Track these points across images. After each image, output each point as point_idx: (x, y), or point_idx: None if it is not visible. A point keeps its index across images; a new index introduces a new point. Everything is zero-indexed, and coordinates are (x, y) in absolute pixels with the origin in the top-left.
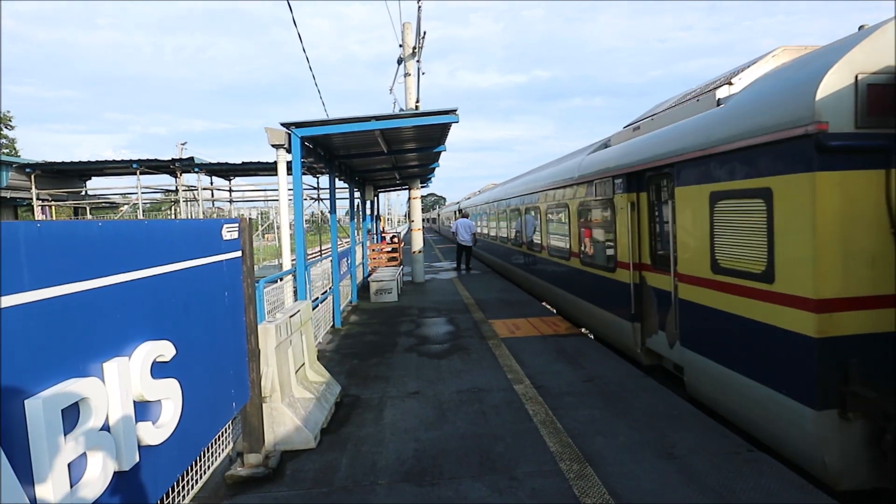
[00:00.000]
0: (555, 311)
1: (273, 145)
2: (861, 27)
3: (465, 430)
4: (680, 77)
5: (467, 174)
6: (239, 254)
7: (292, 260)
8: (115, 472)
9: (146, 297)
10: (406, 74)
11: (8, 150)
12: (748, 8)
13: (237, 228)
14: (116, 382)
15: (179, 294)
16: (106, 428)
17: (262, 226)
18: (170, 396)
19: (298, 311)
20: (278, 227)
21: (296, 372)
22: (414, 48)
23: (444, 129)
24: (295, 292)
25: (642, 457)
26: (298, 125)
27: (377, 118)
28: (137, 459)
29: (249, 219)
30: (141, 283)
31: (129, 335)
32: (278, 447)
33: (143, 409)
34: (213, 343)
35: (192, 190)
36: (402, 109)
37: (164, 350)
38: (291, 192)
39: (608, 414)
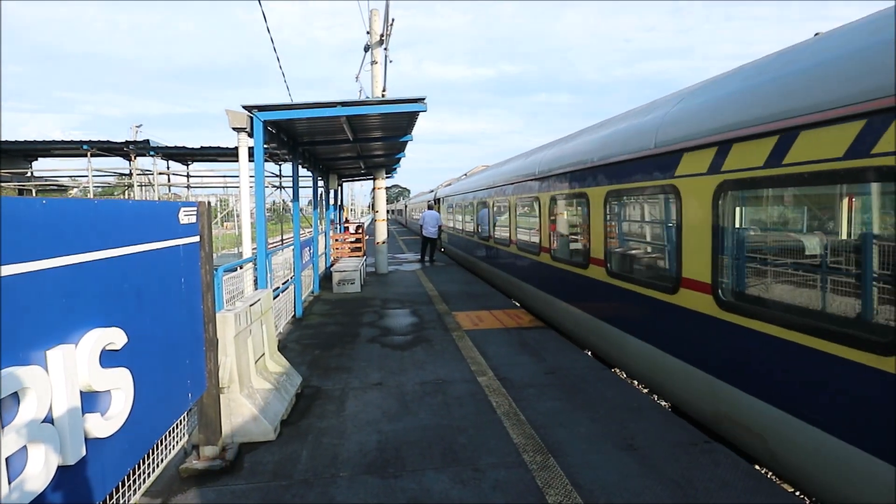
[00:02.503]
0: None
1: (234, 128)
2: (816, 34)
3: (429, 422)
4: (643, 77)
5: (431, 167)
6: (197, 239)
7: (253, 249)
8: (58, 467)
9: (95, 281)
10: (373, 62)
11: None
12: (710, 8)
13: (195, 212)
14: (61, 371)
15: (132, 279)
16: (49, 420)
17: (220, 213)
18: (120, 387)
19: (259, 300)
20: (238, 215)
21: (255, 362)
22: (381, 35)
23: (411, 118)
24: (255, 281)
25: (604, 448)
26: (262, 108)
27: (344, 104)
28: (84, 453)
29: (209, 203)
30: (89, 266)
31: (75, 321)
32: (236, 439)
33: (91, 400)
34: (168, 331)
35: (147, 174)
36: (368, 97)
37: (115, 338)
38: (253, 178)
39: (570, 406)
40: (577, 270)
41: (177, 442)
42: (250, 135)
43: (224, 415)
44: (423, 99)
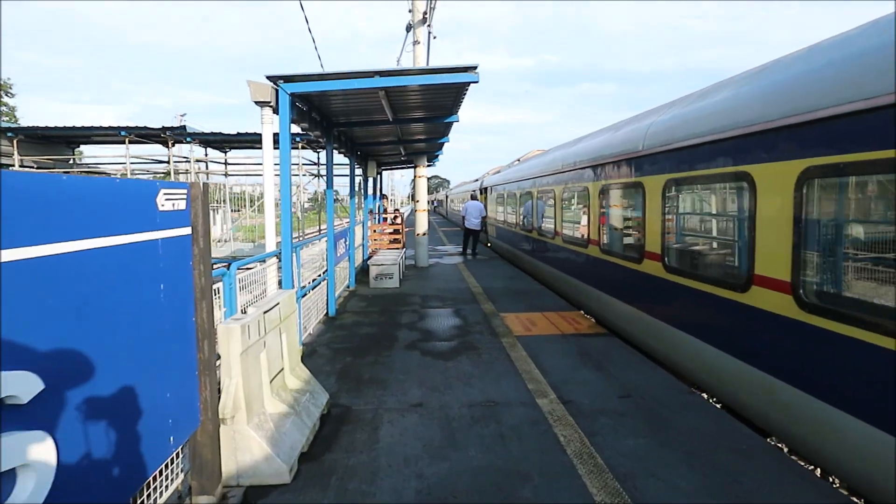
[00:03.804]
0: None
1: (256, 102)
2: None
3: (481, 462)
4: (692, 67)
5: (470, 157)
6: (187, 231)
7: (278, 242)
8: None
9: None
10: (415, 42)
11: (8, 118)
12: None
13: (184, 196)
14: None
15: (64, 292)
16: None
17: (258, 201)
18: (28, 461)
19: (277, 304)
20: (276, 203)
21: (271, 381)
22: (424, 13)
23: (457, 95)
24: (280, 280)
25: None
26: (288, 79)
27: (381, 73)
28: None
29: (204, 185)
30: None
31: None
32: (242, 481)
33: None
34: (133, 359)
35: (185, 162)
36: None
37: (17, 387)
38: (278, 163)
39: (657, 444)
40: (721, 293)
41: (173, 479)
42: (276, 111)
43: (227, 451)
44: (475, 67)
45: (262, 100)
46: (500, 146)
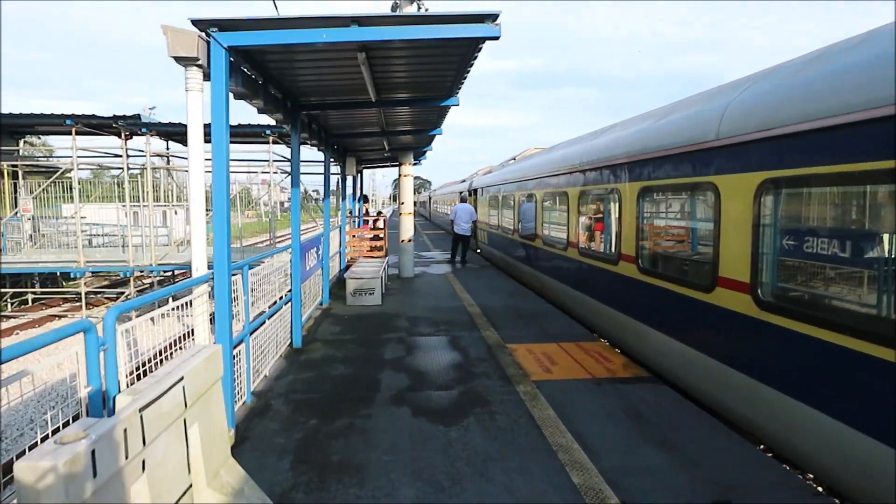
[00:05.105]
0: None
1: (177, 59)
2: None
3: None
4: (673, 72)
5: (452, 158)
6: None
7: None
8: None
9: None
10: None
11: None
12: (743, 2)
13: None
14: None
15: None
16: None
17: (240, 202)
18: None
19: (181, 381)
20: (258, 203)
21: None
22: None
23: (463, 64)
24: (212, 319)
25: None
26: (224, 25)
27: (361, 21)
28: None
29: None
30: None
31: None
32: None
33: None
34: None
35: (141, 155)
36: None
37: None
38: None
39: None
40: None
41: None
42: (208, 75)
43: None
44: (496, 16)
45: (185, 55)
46: (482, 148)
